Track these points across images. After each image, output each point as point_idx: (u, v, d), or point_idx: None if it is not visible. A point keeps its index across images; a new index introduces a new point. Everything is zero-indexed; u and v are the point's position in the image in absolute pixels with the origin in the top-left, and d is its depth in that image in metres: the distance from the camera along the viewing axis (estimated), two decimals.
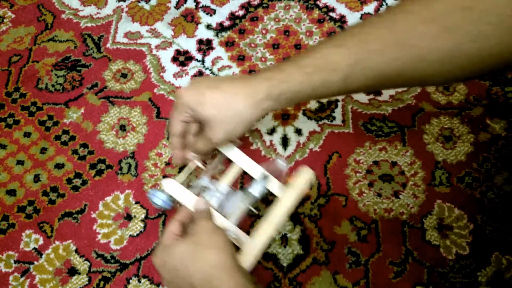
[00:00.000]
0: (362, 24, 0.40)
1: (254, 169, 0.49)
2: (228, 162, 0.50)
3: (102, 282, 0.53)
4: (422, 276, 0.52)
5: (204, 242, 0.40)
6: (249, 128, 0.44)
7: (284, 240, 0.54)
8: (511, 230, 0.53)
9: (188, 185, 0.48)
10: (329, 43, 0.40)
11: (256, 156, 0.59)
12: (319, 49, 0.40)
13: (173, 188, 0.46)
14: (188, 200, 0.46)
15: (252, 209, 0.49)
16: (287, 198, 0.46)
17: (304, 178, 0.47)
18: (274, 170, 0.49)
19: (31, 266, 0.54)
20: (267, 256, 0.53)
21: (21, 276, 0.54)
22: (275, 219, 0.45)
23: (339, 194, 0.56)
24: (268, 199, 0.54)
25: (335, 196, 0.56)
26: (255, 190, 0.47)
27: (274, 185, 0.48)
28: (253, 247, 0.44)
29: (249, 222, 0.54)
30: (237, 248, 0.45)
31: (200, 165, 0.49)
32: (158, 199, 0.47)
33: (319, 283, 0.52)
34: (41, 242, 0.55)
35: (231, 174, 0.49)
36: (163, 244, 0.42)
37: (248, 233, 0.46)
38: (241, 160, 0.49)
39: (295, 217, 0.55)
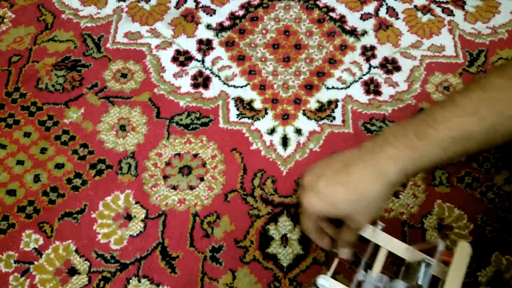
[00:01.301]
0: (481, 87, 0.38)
1: (402, 249, 0.46)
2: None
3: (102, 282, 0.53)
4: None
5: None
6: (384, 203, 0.41)
7: (284, 240, 0.54)
8: (511, 230, 0.53)
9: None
10: (460, 109, 0.37)
11: (256, 156, 0.59)
12: (450, 117, 0.37)
13: (330, 285, 0.44)
14: None
15: None
16: (453, 280, 0.42)
17: (464, 254, 0.44)
18: (427, 248, 0.45)
19: (31, 266, 0.54)
20: (267, 256, 0.53)
21: (21, 276, 0.54)
22: None
23: None
24: None
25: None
26: (423, 280, 0.43)
27: (434, 267, 0.45)
28: None
29: None
30: None
31: (348, 257, 0.47)
32: None
33: None
34: (41, 242, 0.55)
35: (380, 259, 0.46)
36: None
37: None
38: (388, 243, 0.46)
39: (295, 217, 0.55)
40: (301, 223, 0.44)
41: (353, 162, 0.39)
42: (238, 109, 0.62)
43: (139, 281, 0.53)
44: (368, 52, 0.66)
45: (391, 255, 0.46)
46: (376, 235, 0.46)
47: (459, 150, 0.37)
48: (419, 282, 0.43)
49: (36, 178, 0.59)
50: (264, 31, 0.68)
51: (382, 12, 0.69)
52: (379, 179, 0.38)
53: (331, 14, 0.69)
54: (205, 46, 0.67)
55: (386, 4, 0.70)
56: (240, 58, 0.66)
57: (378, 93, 0.63)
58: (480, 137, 0.37)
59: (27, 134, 0.61)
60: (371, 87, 0.63)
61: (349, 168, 0.39)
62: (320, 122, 0.61)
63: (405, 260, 0.46)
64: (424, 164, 0.37)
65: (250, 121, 0.61)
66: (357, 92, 0.63)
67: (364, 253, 0.47)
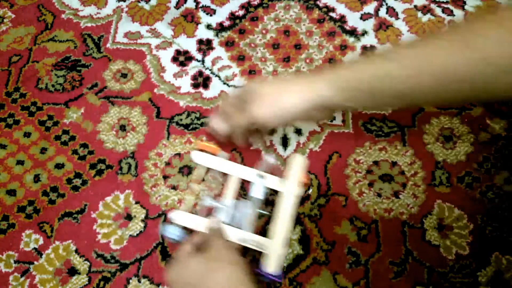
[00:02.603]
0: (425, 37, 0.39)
1: (250, 173, 0.49)
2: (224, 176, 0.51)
3: (102, 282, 0.53)
4: (422, 276, 0.52)
5: (218, 258, 0.41)
6: (298, 117, 0.43)
7: None
8: (511, 230, 0.53)
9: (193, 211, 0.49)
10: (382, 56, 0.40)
11: (256, 156, 0.59)
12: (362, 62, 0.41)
13: (182, 218, 0.47)
14: (200, 224, 0.47)
15: (262, 211, 0.50)
16: (290, 189, 0.47)
17: (298, 165, 0.48)
18: (267, 167, 0.49)
19: (31, 266, 0.54)
20: None
21: (21, 276, 0.54)
22: (286, 213, 0.46)
23: (339, 194, 0.56)
24: (271, 200, 0.54)
25: (335, 196, 0.56)
26: (257, 192, 0.48)
27: (272, 182, 0.49)
28: (276, 247, 0.45)
29: (262, 224, 0.54)
30: (259, 254, 0.46)
31: (198, 187, 0.50)
32: (171, 234, 0.47)
33: (319, 283, 0.52)
34: (41, 242, 0.55)
35: (232, 186, 0.50)
36: (178, 260, 0.42)
37: (265, 235, 0.47)
38: (235, 170, 0.50)
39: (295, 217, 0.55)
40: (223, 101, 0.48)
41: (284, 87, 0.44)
42: None
43: (139, 281, 0.53)
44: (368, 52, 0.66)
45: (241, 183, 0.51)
46: (223, 164, 0.50)
47: (383, 70, 0.38)
48: (251, 194, 0.48)
49: (36, 178, 0.59)
50: (264, 31, 0.68)
51: (382, 12, 0.69)
52: (305, 81, 0.42)
53: (331, 14, 0.69)
54: (205, 46, 0.67)
55: (386, 4, 0.70)
56: (240, 58, 0.66)
57: None
58: (399, 79, 0.37)
59: (27, 134, 0.61)
60: None
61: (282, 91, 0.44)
62: (320, 122, 0.61)
63: (251, 182, 0.50)
64: (355, 75, 0.40)
65: None
66: None
67: (212, 182, 0.52)
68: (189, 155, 0.58)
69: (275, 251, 0.45)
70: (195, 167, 0.52)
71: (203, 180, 0.51)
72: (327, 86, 0.41)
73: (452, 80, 0.36)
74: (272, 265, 0.44)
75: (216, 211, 0.48)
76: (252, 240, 0.47)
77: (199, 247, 0.45)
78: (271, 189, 0.49)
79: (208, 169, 0.52)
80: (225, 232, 0.46)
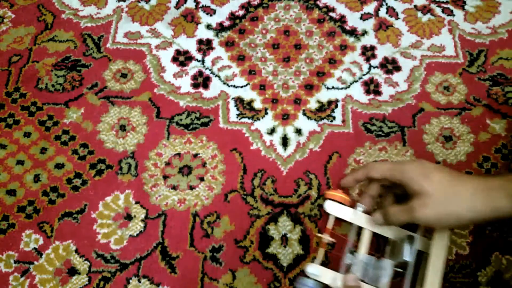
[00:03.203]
0: None
1: (385, 228, 0.47)
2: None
3: (102, 282, 0.53)
4: None
5: None
6: (465, 227, 0.40)
7: (284, 240, 0.54)
8: (511, 230, 0.53)
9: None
10: None
11: (256, 156, 0.59)
12: None
13: (319, 272, 0.45)
14: (336, 280, 0.45)
15: (398, 269, 0.46)
16: (438, 252, 0.43)
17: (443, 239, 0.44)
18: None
19: (31, 266, 0.54)
20: (267, 256, 0.53)
21: (21, 276, 0.54)
22: (436, 277, 0.42)
23: None
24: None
25: None
26: (409, 256, 0.44)
27: (420, 243, 0.46)
28: None
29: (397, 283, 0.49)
30: None
31: (331, 239, 0.48)
32: (305, 286, 0.45)
33: None
34: (41, 242, 0.55)
35: (365, 241, 0.47)
36: None
37: None
38: (371, 224, 0.47)
39: (295, 217, 0.55)
40: (370, 173, 0.44)
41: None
42: (238, 109, 0.62)
43: (139, 281, 0.53)
44: (368, 52, 0.66)
45: (375, 236, 0.47)
46: (358, 217, 0.47)
47: None
48: (405, 258, 0.44)
49: (36, 178, 0.59)
50: (264, 31, 0.68)
51: (382, 12, 0.69)
52: (480, 184, 0.37)
53: (331, 14, 0.69)
54: (205, 46, 0.67)
55: (386, 4, 0.70)
56: (240, 58, 0.66)
57: (378, 93, 0.63)
58: None
59: (27, 134, 0.61)
60: (371, 87, 0.63)
61: (460, 173, 0.39)
62: (320, 122, 0.61)
63: (389, 239, 0.47)
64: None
65: (250, 121, 0.61)
66: (357, 92, 0.63)
67: (348, 238, 0.48)
68: (187, 156, 0.59)
69: None
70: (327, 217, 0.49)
71: (333, 231, 0.48)
72: (507, 198, 0.35)
73: None
74: None
75: (353, 268, 0.46)
76: None
77: None
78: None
79: (336, 220, 0.49)
80: None
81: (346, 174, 0.49)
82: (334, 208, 0.48)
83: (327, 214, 0.48)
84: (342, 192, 0.49)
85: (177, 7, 0.71)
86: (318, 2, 0.70)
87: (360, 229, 0.48)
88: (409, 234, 0.46)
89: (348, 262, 0.47)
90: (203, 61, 0.66)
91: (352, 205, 0.49)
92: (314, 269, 0.46)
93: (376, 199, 0.48)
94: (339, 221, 0.52)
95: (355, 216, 0.48)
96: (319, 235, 0.48)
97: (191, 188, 0.57)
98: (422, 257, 0.47)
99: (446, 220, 0.38)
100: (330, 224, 0.48)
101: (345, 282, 0.44)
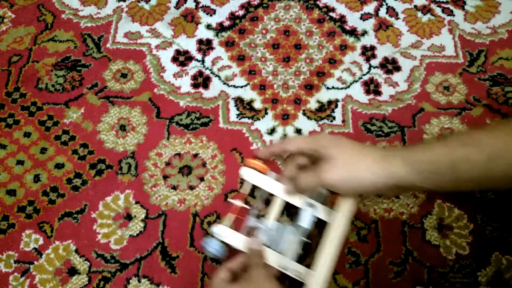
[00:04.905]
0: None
1: (297, 198, 0.47)
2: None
3: (102, 282, 0.53)
4: (422, 276, 0.52)
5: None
6: (368, 191, 0.42)
7: None
8: (511, 230, 0.53)
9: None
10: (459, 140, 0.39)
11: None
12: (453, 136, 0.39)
13: (224, 233, 0.45)
14: (241, 242, 0.45)
15: (305, 239, 0.47)
16: (339, 222, 0.44)
17: (349, 208, 0.45)
18: (316, 195, 0.47)
19: (31, 266, 0.54)
20: None
21: (21, 276, 0.54)
22: (332, 246, 0.43)
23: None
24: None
25: (335, 195, 0.56)
26: (305, 222, 0.45)
27: (320, 211, 0.46)
28: (318, 280, 0.42)
29: (302, 254, 0.49)
30: (300, 284, 0.44)
31: (243, 205, 0.48)
32: (212, 248, 0.46)
33: None
34: (41, 242, 0.55)
35: (276, 209, 0.47)
36: None
37: (307, 266, 0.45)
38: (282, 192, 0.47)
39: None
40: (288, 143, 0.45)
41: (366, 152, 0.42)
42: (238, 109, 0.62)
43: (139, 281, 0.53)
44: (368, 52, 0.66)
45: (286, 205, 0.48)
46: (271, 184, 0.47)
47: (464, 154, 0.37)
48: (302, 224, 0.45)
49: (36, 178, 0.59)
50: (264, 31, 0.68)
51: (382, 12, 0.69)
52: (381, 154, 0.40)
53: (331, 14, 0.69)
54: (205, 46, 0.67)
55: (386, 4, 0.70)
56: (240, 58, 0.66)
57: (378, 93, 0.63)
58: (486, 149, 0.36)
59: (27, 134, 0.61)
60: (371, 87, 0.63)
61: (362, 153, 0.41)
62: (320, 122, 0.61)
63: (298, 208, 0.47)
64: (429, 155, 0.38)
65: (250, 121, 0.61)
66: (357, 92, 0.63)
67: (258, 202, 0.49)
68: (187, 156, 0.59)
69: (317, 284, 0.42)
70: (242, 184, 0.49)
71: (246, 198, 0.49)
72: (403, 166, 0.39)
73: None
74: None
75: (258, 232, 0.46)
76: (293, 269, 0.44)
77: (236, 273, 0.43)
78: (318, 219, 0.46)
79: (253, 188, 0.50)
80: (265, 255, 0.44)
81: (263, 147, 0.49)
82: (249, 175, 0.48)
83: (244, 181, 0.49)
84: (262, 162, 0.49)
85: (177, 7, 0.71)
86: (318, 2, 0.70)
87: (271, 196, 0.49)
88: (310, 202, 0.46)
89: (252, 225, 0.47)
90: (203, 61, 0.66)
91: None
92: (220, 230, 0.46)
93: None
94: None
95: (268, 183, 0.48)
96: (231, 200, 0.48)
97: (191, 188, 0.57)
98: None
99: (349, 182, 0.40)
100: (244, 190, 0.49)
101: (249, 245, 0.45)
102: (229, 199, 0.48)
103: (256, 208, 0.48)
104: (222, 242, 0.46)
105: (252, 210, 0.48)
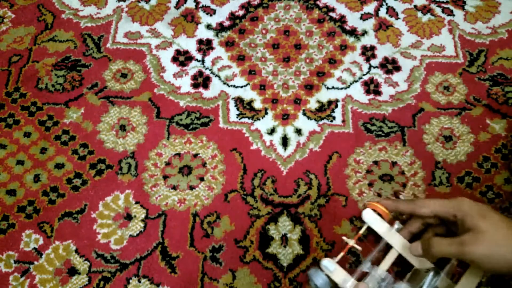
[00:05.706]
0: None
1: (414, 257, 0.45)
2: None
3: (102, 282, 0.53)
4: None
5: None
6: None
7: (284, 240, 0.54)
8: None
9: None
10: None
11: (256, 156, 0.59)
12: None
13: (333, 268, 0.45)
14: (347, 284, 0.45)
15: None
16: None
17: (473, 276, 0.43)
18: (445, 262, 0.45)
19: (31, 266, 0.54)
20: (267, 256, 0.53)
21: (21, 276, 0.54)
22: None
23: (339, 194, 0.56)
24: None
25: (335, 196, 0.56)
26: (425, 286, 0.43)
27: (443, 281, 0.44)
28: None
29: None
30: None
31: (358, 247, 0.47)
32: (318, 281, 0.45)
33: None
34: (41, 242, 0.55)
35: (390, 259, 0.46)
36: None
37: None
38: (402, 246, 0.46)
39: (295, 217, 0.55)
40: (421, 205, 0.43)
41: None
42: (238, 109, 0.62)
43: (139, 281, 0.53)
44: (368, 52, 0.66)
45: (399, 259, 0.47)
46: (391, 234, 0.47)
47: None
48: (420, 285, 0.44)
49: (36, 178, 0.59)
50: (264, 31, 0.68)
51: (382, 12, 0.69)
52: None
53: (331, 14, 0.69)
54: (205, 46, 0.67)
55: (386, 4, 0.70)
56: (240, 58, 0.66)
57: (378, 93, 0.63)
58: None
59: (27, 134, 0.61)
60: (371, 87, 0.63)
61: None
62: (320, 122, 0.61)
63: (414, 267, 0.46)
64: None
65: (250, 121, 0.61)
66: (357, 92, 0.63)
67: (374, 248, 0.47)
68: (187, 156, 0.59)
69: None
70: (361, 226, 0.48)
71: (360, 238, 0.48)
72: None
73: None
74: None
75: (368, 279, 0.45)
76: None
77: None
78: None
79: (368, 229, 0.48)
80: None
81: (389, 198, 0.49)
82: (371, 218, 0.47)
83: (363, 222, 0.48)
84: (384, 206, 0.48)
85: (177, 7, 0.71)
86: (318, 2, 0.70)
87: (388, 246, 0.48)
88: (435, 267, 0.45)
89: (364, 270, 0.46)
90: (203, 61, 0.66)
91: (390, 221, 0.48)
92: (330, 264, 0.45)
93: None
94: (339, 220, 0.52)
95: (388, 232, 0.47)
96: (346, 239, 0.47)
97: (191, 188, 0.57)
98: None
99: (495, 260, 0.37)
100: (361, 231, 0.48)
101: None
102: (343, 237, 0.48)
103: (374, 254, 0.47)
104: (328, 277, 0.45)
105: (370, 255, 0.47)
